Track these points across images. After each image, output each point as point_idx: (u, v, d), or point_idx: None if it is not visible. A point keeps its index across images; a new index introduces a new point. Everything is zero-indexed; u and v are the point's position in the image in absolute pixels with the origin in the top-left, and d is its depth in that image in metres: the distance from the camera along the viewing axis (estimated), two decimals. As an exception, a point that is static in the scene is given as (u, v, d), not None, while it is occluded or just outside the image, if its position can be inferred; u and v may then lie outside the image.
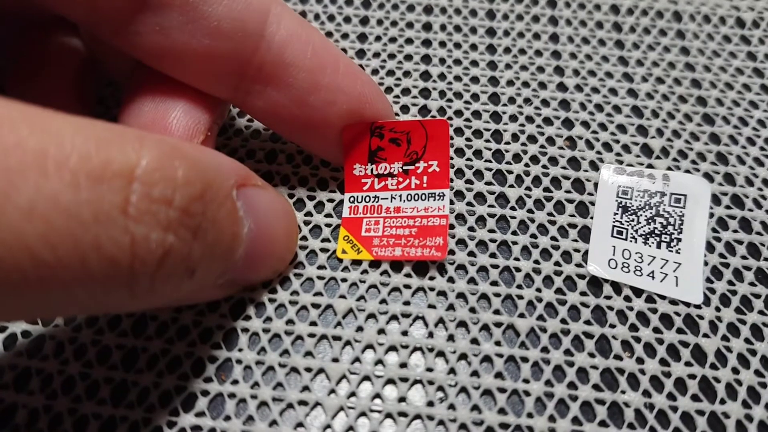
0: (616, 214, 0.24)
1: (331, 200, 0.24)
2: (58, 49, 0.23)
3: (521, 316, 0.22)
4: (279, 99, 0.21)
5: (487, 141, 0.26)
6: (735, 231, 0.24)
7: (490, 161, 0.25)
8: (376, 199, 0.23)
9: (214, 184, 0.17)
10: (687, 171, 0.25)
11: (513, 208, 0.24)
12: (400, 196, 0.23)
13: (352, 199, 0.23)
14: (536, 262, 0.23)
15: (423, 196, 0.23)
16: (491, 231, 0.23)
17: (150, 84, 0.21)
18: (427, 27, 0.30)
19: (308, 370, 0.20)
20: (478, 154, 0.25)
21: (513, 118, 0.26)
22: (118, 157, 0.14)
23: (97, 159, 0.14)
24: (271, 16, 0.21)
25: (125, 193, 0.14)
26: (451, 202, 0.24)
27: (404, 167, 0.23)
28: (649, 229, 0.23)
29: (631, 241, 0.23)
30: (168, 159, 0.15)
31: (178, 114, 0.21)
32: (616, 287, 0.22)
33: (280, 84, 0.21)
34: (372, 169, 0.23)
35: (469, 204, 0.24)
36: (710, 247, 0.23)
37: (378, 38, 0.29)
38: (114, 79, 0.26)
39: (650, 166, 0.25)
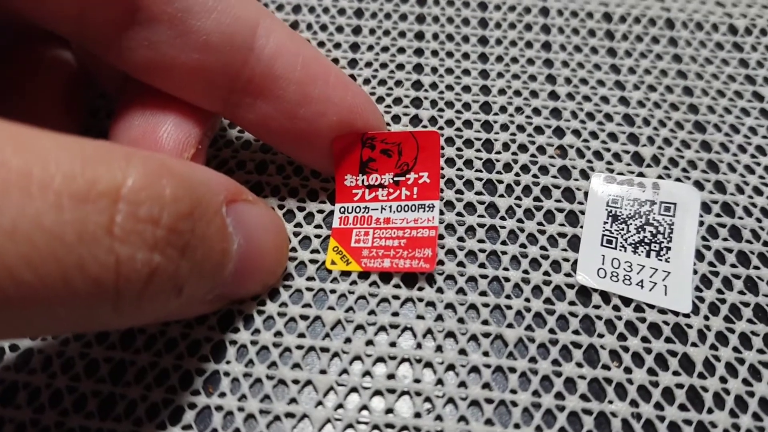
0: (606, 223, 0.24)
1: (321, 211, 0.24)
2: (47, 62, 0.23)
3: (510, 326, 0.22)
4: (269, 111, 0.22)
5: (478, 150, 0.26)
6: (725, 239, 0.24)
7: (480, 171, 0.25)
8: (366, 210, 0.23)
9: (203, 201, 0.17)
10: (678, 179, 0.25)
11: (503, 218, 0.24)
12: (390, 207, 0.23)
13: (342, 209, 0.23)
14: (525, 271, 0.23)
15: (413, 208, 0.23)
16: (481, 241, 0.23)
17: (140, 97, 0.21)
18: (420, 36, 0.30)
19: (296, 382, 0.20)
20: (468, 163, 0.25)
21: (504, 127, 0.26)
22: (103, 177, 0.14)
23: (82, 179, 0.14)
24: (260, 29, 0.21)
25: (111, 213, 0.14)
26: (441, 213, 0.24)
27: (395, 178, 0.23)
28: (639, 238, 0.23)
29: (620, 250, 0.23)
30: (155, 177, 0.15)
31: (169, 127, 0.21)
32: (605, 297, 0.22)
33: (270, 96, 0.21)
34: (363, 180, 0.23)
35: (458, 214, 0.24)
36: (700, 256, 0.23)
37: (370, 48, 0.29)
38: (106, 91, 0.26)
39: (641, 174, 0.25)
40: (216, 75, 0.21)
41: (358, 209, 0.23)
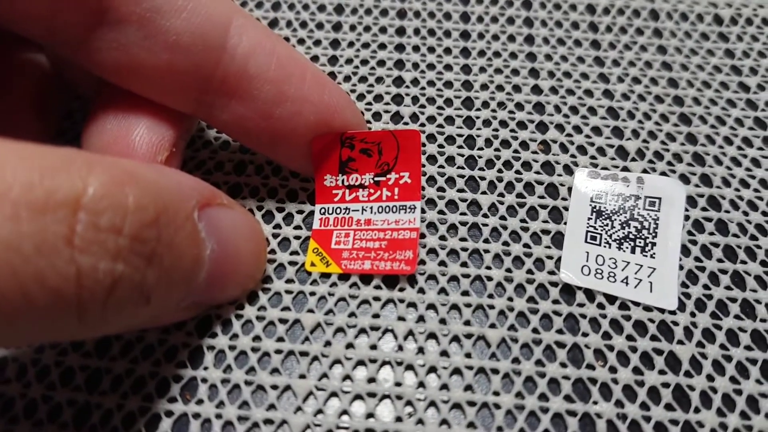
0: (590, 219, 0.23)
1: (300, 212, 0.24)
2: (18, 65, 0.23)
3: (492, 326, 0.21)
4: (244, 112, 0.21)
5: (460, 147, 0.25)
6: (711, 233, 0.23)
7: (462, 168, 0.25)
8: (347, 211, 0.23)
9: (170, 208, 0.17)
10: (663, 173, 0.25)
11: (485, 216, 0.24)
12: (371, 208, 0.23)
13: (322, 210, 0.23)
14: (508, 270, 0.22)
15: (394, 209, 0.22)
16: (463, 239, 0.23)
17: (113, 100, 0.21)
18: (401, 31, 0.29)
19: (274, 387, 0.20)
20: (450, 160, 0.25)
21: (486, 123, 0.26)
22: (63, 186, 0.14)
23: (41, 189, 0.14)
24: (233, 28, 0.20)
25: (71, 223, 0.14)
26: (423, 211, 0.23)
27: (375, 178, 0.23)
28: (624, 233, 0.23)
29: (605, 246, 0.23)
30: (118, 185, 0.15)
31: (142, 131, 0.20)
32: (590, 294, 0.22)
33: (244, 96, 0.21)
34: (343, 180, 0.23)
35: (440, 212, 0.24)
36: (686, 251, 0.23)
37: (351, 44, 0.29)
38: (82, 93, 0.26)
39: (626, 168, 0.25)
40: (188, 76, 0.20)
41: (338, 210, 0.23)
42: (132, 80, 0.20)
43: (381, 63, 0.28)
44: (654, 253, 0.22)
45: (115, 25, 0.19)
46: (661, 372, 0.20)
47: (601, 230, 0.23)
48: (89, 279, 0.14)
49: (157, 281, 0.16)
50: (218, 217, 0.19)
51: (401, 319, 0.21)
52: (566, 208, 0.24)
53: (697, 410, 0.20)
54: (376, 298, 0.22)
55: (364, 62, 0.28)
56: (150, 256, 0.16)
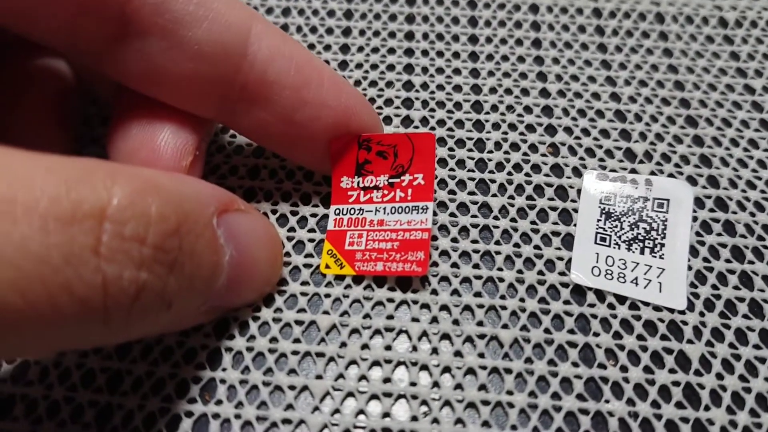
0: (599, 220, 0.24)
1: (314, 215, 0.24)
2: (39, 72, 0.23)
3: (505, 327, 0.22)
4: (265, 116, 0.22)
5: (470, 150, 0.26)
6: (719, 234, 0.24)
7: (473, 171, 0.25)
8: (361, 212, 0.23)
9: (191, 216, 0.17)
10: (671, 174, 0.25)
11: (496, 218, 0.24)
12: (384, 209, 0.23)
13: (337, 211, 0.23)
14: (519, 271, 0.23)
15: (407, 209, 0.23)
16: (474, 241, 0.23)
17: (136, 105, 0.21)
18: (410, 36, 0.30)
19: (292, 388, 0.20)
20: (461, 163, 0.25)
21: (496, 126, 0.26)
22: (89, 197, 0.14)
23: (68, 201, 0.14)
24: (252, 36, 0.21)
25: (97, 233, 0.14)
26: (435, 214, 0.24)
27: (390, 180, 0.23)
28: (633, 235, 0.23)
29: (614, 247, 0.23)
30: (141, 195, 0.15)
31: (166, 135, 0.21)
32: (600, 295, 0.22)
33: (265, 102, 0.21)
34: (359, 182, 0.23)
35: (452, 215, 0.24)
36: (694, 252, 0.23)
37: (360, 49, 0.29)
38: (101, 97, 0.26)
39: (634, 170, 0.25)
40: (210, 83, 0.21)
41: (352, 211, 0.23)
42: (156, 88, 0.21)
43: (391, 67, 0.29)
44: (663, 254, 0.23)
45: (138, 36, 0.20)
46: (672, 371, 0.21)
47: (611, 232, 0.23)
48: (115, 287, 0.15)
49: (179, 288, 0.17)
50: (236, 223, 0.19)
51: (415, 320, 0.22)
52: (576, 210, 0.24)
53: (707, 408, 0.20)
54: (390, 300, 0.22)
55: (374, 67, 0.29)
56: (172, 264, 0.16)
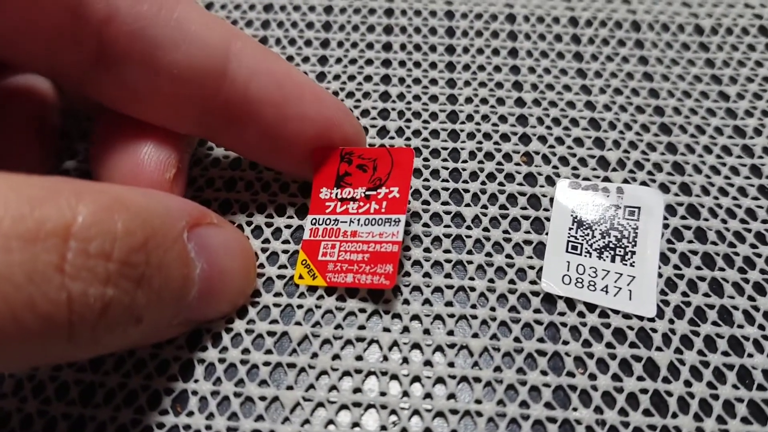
0: (571, 229, 0.24)
1: (288, 226, 0.24)
2: (19, 90, 0.24)
3: (475, 336, 0.22)
4: (247, 132, 0.22)
5: (445, 160, 0.26)
6: (690, 241, 0.24)
7: (447, 180, 0.25)
8: (336, 222, 0.23)
9: (159, 231, 0.17)
10: (643, 182, 0.25)
11: (469, 227, 0.24)
12: (358, 220, 0.23)
13: (314, 221, 0.24)
14: (491, 280, 0.23)
15: (379, 221, 0.23)
16: (447, 251, 0.24)
17: (118, 124, 0.22)
18: (387, 47, 0.30)
19: (263, 399, 0.21)
20: (435, 173, 0.26)
21: (471, 136, 0.27)
22: (53, 216, 0.15)
23: (31, 220, 0.14)
24: (231, 54, 0.21)
25: (61, 252, 0.15)
26: (408, 224, 0.24)
27: (367, 192, 0.23)
28: (604, 243, 0.23)
29: (585, 255, 0.23)
30: (106, 212, 0.16)
31: (149, 150, 0.21)
32: (570, 303, 0.22)
33: (247, 119, 0.22)
34: (337, 194, 0.24)
35: (425, 225, 0.24)
36: (665, 259, 0.23)
37: (338, 60, 0.30)
38: (81, 111, 0.27)
39: (607, 178, 0.25)
40: (190, 103, 0.21)
41: (328, 221, 0.23)
42: (135, 109, 0.21)
43: (368, 78, 0.29)
44: (633, 262, 0.23)
45: (116, 61, 0.20)
46: (640, 378, 0.21)
47: (582, 240, 0.24)
48: (80, 304, 0.15)
49: (148, 302, 0.17)
50: (208, 236, 0.20)
51: (386, 330, 0.22)
52: (548, 219, 0.24)
53: (674, 415, 0.20)
54: (362, 310, 0.22)
55: (352, 78, 0.29)
56: (139, 279, 0.16)
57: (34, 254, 0.14)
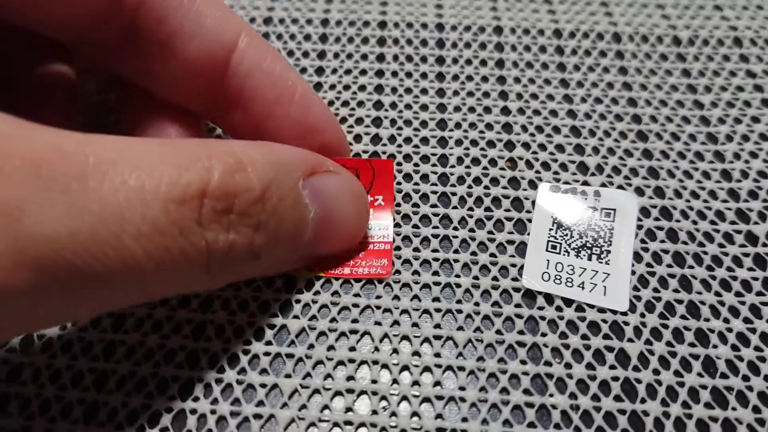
0: (551, 229, 0.25)
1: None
2: (53, 77, 0.26)
3: (460, 328, 0.23)
4: (239, 121, 0.25)
5: (434, 165, 0.28)
6: (662, 241, 0.26)
7: (435, 184, 0.27)
8: None
9: (274, 183, 0.20)
10: (620, 186, 0.27)
11: (455, 228, 0.26)
12: None
13: None
14: (475, 278, 0.25)
15: (369, 226, 0.25)
16: (435, 251, 0.25)
17: (146, 109, 0.25)
18: (381, 58, 0.32)
19: (263, 386, 0.22)
20: (424, 178, 0.27)
21: (458, 143, 0.28)
22: (194, 181, 0.18)
23: (180, 185, 0.18)
24: (237, 50, 0.23)
25: (199, 210, 0.18)
26: (399, 225, 0.26)
27: None
28: (582, 242, 0.25)
29: (564, 254, 0.25)
30: (230, 174, 0.19)
31: (176, 130, 0.25)
32: (549, 298, 0.24)
33: (239, 109, 0.24)
34: None
35: (414, 226, 0.26)
36: (638, 257, 0.25)
37: (334, 71, 0.31)
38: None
39: (585, 182, 0.27)
40: (197, 86, 0.24)
41: None
42: (151, 84, 0.24)
43: (362, 88, 0.31)
44: (608, 260, 0.25)
45: (141, 42, 0.23)
46: (612, 367, 0.23)
47: (561, 240, 0.25)
48: (213, 248, 0.18)
49: (265, 242, 0.20)
50: (322, 184, 0.22)
51: (378, 323, 0.24)
52: (530, 220, 0.26)
53: (643, 401, 0.22)
54: (355, 305, 0.24)
55: (347, 87, 0.31)
56: (257, 225, 0.20)
57: (183, 213, 0.18)
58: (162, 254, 0.17)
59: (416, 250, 0.25)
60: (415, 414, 0.22)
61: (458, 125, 0.29)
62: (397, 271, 0.25)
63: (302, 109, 0.24)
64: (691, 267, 0.25)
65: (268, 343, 0.23)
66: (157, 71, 0.23)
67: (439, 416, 0.22)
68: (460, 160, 0.28)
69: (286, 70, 0.24)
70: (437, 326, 0.23)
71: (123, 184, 0.17)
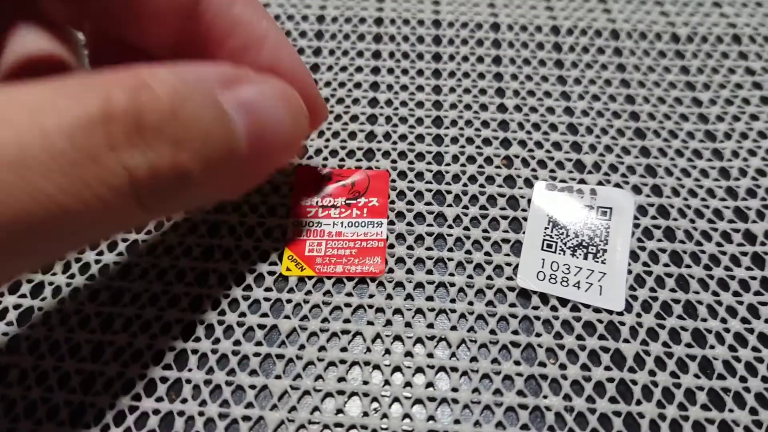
0: (546, 228, 0.25)
1: (280, 226, 0.26)
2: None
3: (453, 328, 0.23)
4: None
5: (429, 163, 0.27)
6: (659, 240, 0.25)
7: (430, 182, 0.27)
8: (319, 224, 0.25)
9: (186, 96, 0.19)
10: (617, 184, 0.27)
11: (450, 226, 0.25)
12: (342, 222, 0.25)
13: (295, 223, 0.25)
14: (470, 276, 0.24)
15: (363, 224, 0.25)
16: (429, 249, 0.25)
17: (111, 52, 0.24)
18: (377, 55, 0.31)
19: (253, 387, 0.22)
20: (419, 176, 0.27)
21: (454, 140, 0.28)
22: (94, 104, 0.17)
23: (81, 112, 0.17)
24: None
25: (107, 133, 0.17)
26: (392, 223, 0.25)
27: (347, 201, 0.25)
28: (577, 241, 0.25)
29: (559, 253, 0.24)
30: (132, 92, 0.18)
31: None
32: (544, 298, 0.24)
33: (207, 56, 0.23)
34: (317, 202, 0.25)
35: (408, 224, 0.26)
36: (635, 256, 0.25)
37: (330, 68, 0.31)
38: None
39: (582, 180, 0.27)
40: (166, 30, 0.23)
41: (311, 224, 0.25)
42: (120, 27, 0.23)
43: (357, 85, 0.30)
44: (605, 259, 0.24)
45: None
46: (607, 368, 0.22)
47: (557, 239, 0.25)
48: (135, 172, 0.17)
49: (192, 160, 0.19)
50: (245, 91, 0.21)
51: (370, 323, 0.23)
52: (525, 219, 0.26)
53: (638, 402, 0.22)
54: (348, 305, 0.24)
55: (342, 85, 0.30)
56: (176, 142, 0.18)
57: (91, 140, 0.16)
58: (80, 188, 0.16)
59: (410, 248, 0.25)
60: (406, 416, 0.21)
61: (454, 123, 0.29)
62: (391, 270, 0.24)
63: (273, 59, 0.23)
64: (689, 266, 0.25)
65: (258, 343, 0.23)
66: (124, 12, 0.22)
67: (431, 418, 0.21)
68: (455, 158, 0.27)
69: (257, 17, 0.23)
70: (430, 326, 0.23)
71: (22, 124, 0.16)
